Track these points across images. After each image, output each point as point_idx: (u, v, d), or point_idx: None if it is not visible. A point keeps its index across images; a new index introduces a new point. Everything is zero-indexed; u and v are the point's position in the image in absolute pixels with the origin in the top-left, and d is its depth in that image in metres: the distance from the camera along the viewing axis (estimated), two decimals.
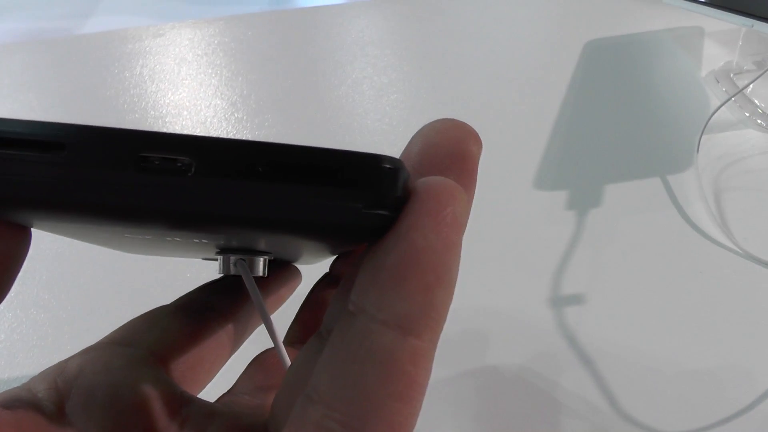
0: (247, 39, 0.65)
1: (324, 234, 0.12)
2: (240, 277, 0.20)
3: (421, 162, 0.13)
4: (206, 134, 0.10)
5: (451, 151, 0.13)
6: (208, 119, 0.53)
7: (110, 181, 0.11)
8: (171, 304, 0.20)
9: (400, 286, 0.11)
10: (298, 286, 0.23)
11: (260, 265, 0.19)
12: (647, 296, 0.37)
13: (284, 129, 0.51)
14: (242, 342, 0.22)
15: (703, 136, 0.46)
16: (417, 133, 0.14)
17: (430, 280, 0.11)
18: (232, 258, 0.19)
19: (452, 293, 0.11)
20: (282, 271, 0.22)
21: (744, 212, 0.41)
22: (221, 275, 0.20)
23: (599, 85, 0.54)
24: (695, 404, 0.32)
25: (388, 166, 0.11)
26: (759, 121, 0.49)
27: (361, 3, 0.69)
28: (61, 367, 0.17)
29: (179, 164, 0.11)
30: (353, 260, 0.15)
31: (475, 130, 0.13)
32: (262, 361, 0.21)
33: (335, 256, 0.21)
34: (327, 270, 0.22)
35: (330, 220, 0.11)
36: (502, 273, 0.38)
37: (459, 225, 0.11)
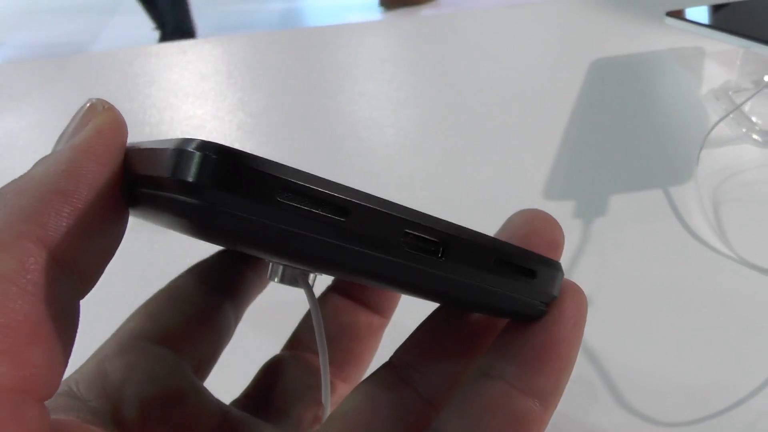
0: (268, 56, 0.68)
1: (489, 312, 0.15)
2: (234, 252, 0.19)
3: None
4: (450, 220, 0.11)
5: (546, 243, 0.15)
6: (232, 132, 0.56)
7: (377, 252, 0.11)
8: (178, 286, 0.20)
9: (542, 364, 0.14)
10: None
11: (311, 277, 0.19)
12: (649, 299, 0.39)
13: (307, 143, 0.54)
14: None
15: (703, 151, 0.48)
16: (510, 222, 0.16)
17: (564, 365, 0.14)
18: (298, 271, 0.18)
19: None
20: None
21: (741, 222, 0.44)
22: (224, 257, 0.20)
23: (605, 102, 0.57)
24: (696, 397, 0.34)
25: (562, 272, 0.14)
26: (755, 137, 0.51)
27: (378, 22, 0.72)
28: (101, 371, 0.17)
29: (432, 247, 0.12)
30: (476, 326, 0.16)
31: (558, 223, 0.16)
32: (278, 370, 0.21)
33: None
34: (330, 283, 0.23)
35: (512, 307, 0.14)
36: None
37: (584, 325, 0.15)
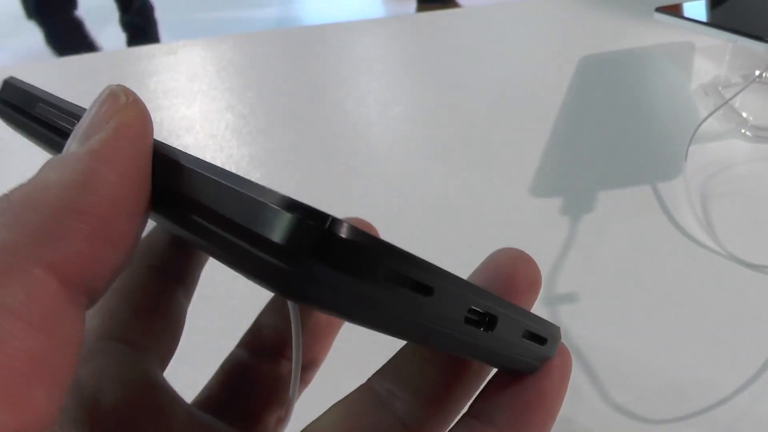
0: (256, 56, 0.68)
1: (491, 364, 0.15)
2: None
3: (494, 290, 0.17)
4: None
5: (528, 284, 0.16)
6: (220, 132, 0.56)
7: (445, 327, 0.12)
8: (129, 275, 0.19)
9: (531, 415, 0.15)
10: None
11: None
12: (636, 295, 0.39)
13: (296, 142, 0.54)
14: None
15: (691, 146, 0.48)
16: (492, 261, 0.17)
17: (551, 417, 0.15)
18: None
19: None
20: None
21: (729, 217, 0.44)
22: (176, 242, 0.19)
23: (593, 98, 0.57)
24: (681, 394, 0.34)
25: (561, 336, 0.16)
26: (744, 131, 0.51)
27: (366, 21, 0.72)
28: (74, 378, 0.17)
29: (483, 321, 0.13)
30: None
31: (536, 263, 0.17)
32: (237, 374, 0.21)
33: None
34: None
35: (515, 365, 0.15)
36: None
37: (569, 381, 0.16)
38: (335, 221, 0.10)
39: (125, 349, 0.18)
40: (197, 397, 0.20)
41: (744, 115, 0.52)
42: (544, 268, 0.41)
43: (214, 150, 0.53)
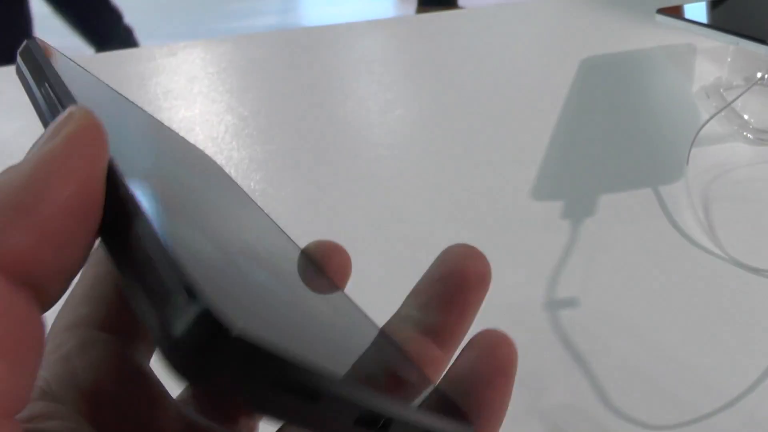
0: (256, 58, 0.68)
1: None
2: None
3: (446, 285, 0.19)
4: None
5: (477, 277, 0.19)
6: (220, 135, 0.56)
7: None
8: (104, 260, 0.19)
9: None
10: None
11: None
12: (638, 299, 0.39)
13: (296, 144, 0.54)
14: None
15: (693, 149, 0.48)
16: (445, 255, 0.19)
17: None
18: None
19: None
20: None
21: (731, 221, 0.44)
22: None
23: (594, 100, 0.56)
24: (683, 399, 0.33)
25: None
26: (747, 134, 0.51)
27: (366, 22, 0.72)
28: (71, 370, 0.17)
29: (381, 423, 0.13)
30: None
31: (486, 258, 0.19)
32: None
33: None
34: None
35: None
36: (501, 277, 0.41)
37: None
38: (228, 329, 0.10)
39: (117, 339, 0.18)
40: (180, 394, 0.21)
41: (746, 117, 0.52)
42: (544, 272, 0.41)
43: (214, 152, 0.53)
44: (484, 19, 0.71)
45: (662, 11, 0.57)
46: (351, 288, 0.23)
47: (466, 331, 0.20)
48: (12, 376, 0.12)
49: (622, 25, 0.67)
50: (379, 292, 0.41)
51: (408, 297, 0.20)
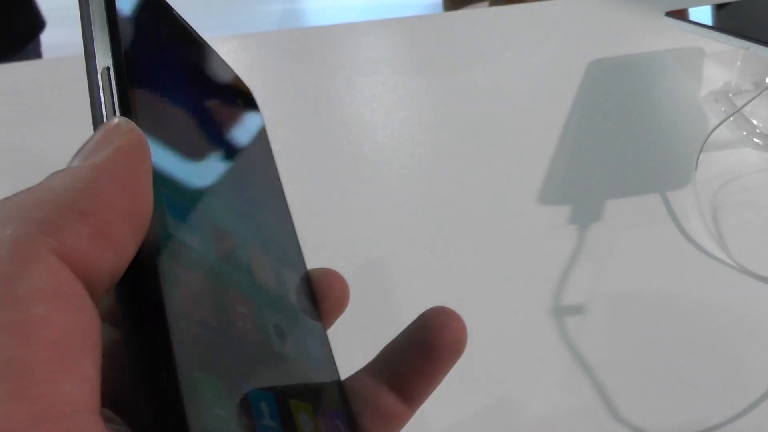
0: (260, 57, 0.67)
1: None
2: None
3: (421, 352, 0.20)
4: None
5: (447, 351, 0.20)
6: None
7: None
8: None
9: None
10: None
11: None
12: (645, 308, 0.38)
13: (297, 144, 0.53)
14: None
15: (702, 155, 0.47)
16: (423, 318, 0.20)
17: None
18: None
19: None
20: None
21: (740, 228, 0.43)
22: None
23: (602, 104, 0.56)
24: (691, 409, 0.33)
25: None
26: (756, 140, 0.50)
27: (372, 23, 0.71)
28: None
29: None
30: None
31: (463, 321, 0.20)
32: None
33: None
34: None
35: None
36: (507, 284, 0.40)
37: None
38: None
39: (116, 329, 0.18)
40: None
41: (755, 123, 0.52)
42: (551, 278, 0.40)
43: None
44: (490, 21, 0.70)
45: (670, 14, 0.57)
46: (355, 291, 0.23)
47: (434, 389, 0.21)
48: (94, 370, 0.12)
49: (629, 28, 0.66)
50: (380, 292, 0.40)
51: (382, 352, 0.21)
